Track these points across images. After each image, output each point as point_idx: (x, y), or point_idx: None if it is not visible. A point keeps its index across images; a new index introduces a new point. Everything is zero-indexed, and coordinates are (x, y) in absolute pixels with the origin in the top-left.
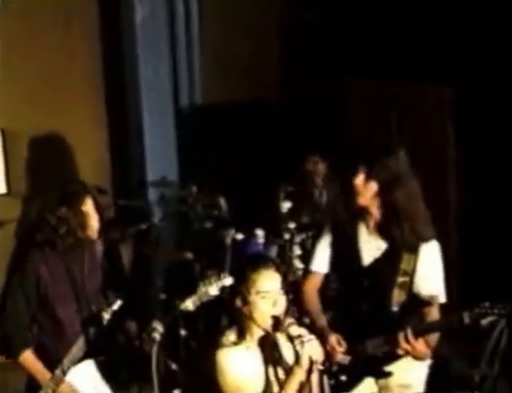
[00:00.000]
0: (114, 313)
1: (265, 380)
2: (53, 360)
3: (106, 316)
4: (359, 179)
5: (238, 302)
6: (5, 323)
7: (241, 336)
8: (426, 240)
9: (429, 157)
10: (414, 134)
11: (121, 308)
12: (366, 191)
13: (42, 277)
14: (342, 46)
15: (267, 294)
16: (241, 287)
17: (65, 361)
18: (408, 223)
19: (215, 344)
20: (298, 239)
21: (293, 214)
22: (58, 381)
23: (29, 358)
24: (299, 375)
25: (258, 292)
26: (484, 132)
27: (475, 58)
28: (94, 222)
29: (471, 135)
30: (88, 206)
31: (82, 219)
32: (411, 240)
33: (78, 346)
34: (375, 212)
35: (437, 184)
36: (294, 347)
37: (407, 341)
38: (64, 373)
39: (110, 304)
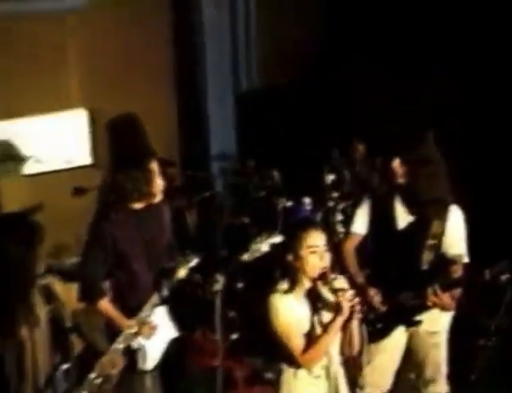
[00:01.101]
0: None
1: (310, 324)
2: (129, 307)
3: (183, 271)
4: (396, 163)
5: (289, 257)
6: (85, 275)
7: (292, 286)
8: (450, 208)
9: None
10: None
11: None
12: (402, 171)
13: (117, 237)
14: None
15: (316, 248)
16: (293, 244)
17: (146, 306)
18: (436, 194)
19: (269, 291)
20: (340, 206)
21: (336, 184)
22: (141, 322)
23: (105, 305)
24: (340, 322)
25: (308, 247)
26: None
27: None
28: (158, 180)
29: (476, 117)
30: (153, 166)
31: (148, 176)
32: (439, 208)
33: (157, 295)
34: (409, 186)
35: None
36: (337, 298)
37: (436, 294)
38: (146, 317)
39: (187, 261)
